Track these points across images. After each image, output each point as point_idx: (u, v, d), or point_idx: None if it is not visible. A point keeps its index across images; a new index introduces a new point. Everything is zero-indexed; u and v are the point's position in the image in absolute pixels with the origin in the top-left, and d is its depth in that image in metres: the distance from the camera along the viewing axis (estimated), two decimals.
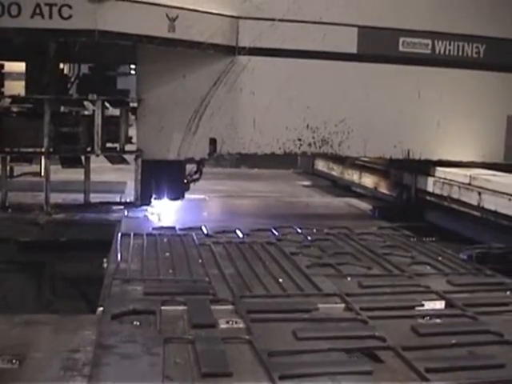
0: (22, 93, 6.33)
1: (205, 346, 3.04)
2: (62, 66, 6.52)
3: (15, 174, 7.02)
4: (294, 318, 3.55)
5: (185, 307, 3.61)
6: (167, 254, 4.84)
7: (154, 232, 5.49)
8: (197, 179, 6.68)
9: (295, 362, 2.95)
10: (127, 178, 7.04)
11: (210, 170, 7.87)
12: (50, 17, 5.20)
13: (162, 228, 5.67)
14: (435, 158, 6.55)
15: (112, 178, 7.79)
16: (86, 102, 6.20)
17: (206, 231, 5.59)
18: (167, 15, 5.52)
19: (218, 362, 2.89)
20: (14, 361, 2.91)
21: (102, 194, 6.64)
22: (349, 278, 4.40)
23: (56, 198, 6.20)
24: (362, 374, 2.87)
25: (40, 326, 3.38)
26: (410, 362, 2.93)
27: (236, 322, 3.44)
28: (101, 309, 3.57)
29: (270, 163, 10.39)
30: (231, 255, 4.87)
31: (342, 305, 3.79)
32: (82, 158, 6.15)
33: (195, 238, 5.33)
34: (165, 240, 5.27)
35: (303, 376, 2.81)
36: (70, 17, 5.22)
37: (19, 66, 6.66)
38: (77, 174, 6.51)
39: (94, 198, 6.37)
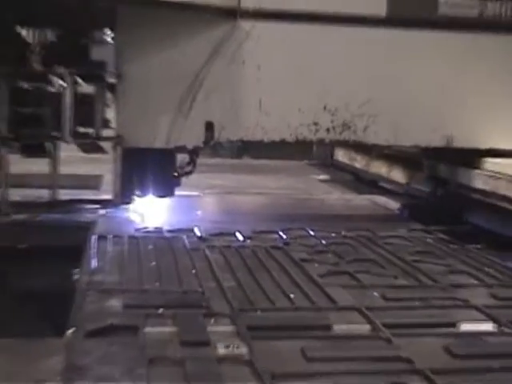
0: None
1: (197, 368, 3.09)
2: (21, 30, 6.56)
3: None
4: (303, 335, 3.61)
5: (173, 322, 3.68)
6: (152, 262, 4.89)
7: (137, 234, 5.58)
8: (189, 172, 6.69)
9: None
10: (103, 170, 7.10)
11: (205, 162, 7.91)
12: None
13: (146, 230, 5.77)
14: (484, 146, 6.55)
15: (85, 170, 7.85)
16: (52, 77, 6.23)
17: (199, 233, 5.68)
18: None
19: None
20: None
21: (72, 190, 6.72)
22: (371, 290, 4.45)
23: (15, 194, 6.26)
24: None
25: None
26: None
27: (234, 340, 3.47)
28: (72, 328, 3.59)
29: (279, 153, 10.45)
30: (229, 262, 4.94)
31: (362, 320, 3.86)
32: (48, 145, 6.18)
33: (186, 241, 5.42)
34: (149, 244, 5.35)
35: None
36: None
37: None
38: (41, 166, 6.57)
39: (63, 194, 6.43)
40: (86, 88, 6.30)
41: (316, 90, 6.25)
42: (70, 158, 7.26)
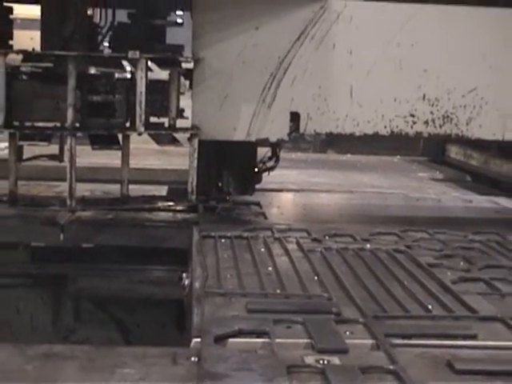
0: (37, 47, 6.40)
1: (340, 377, 3.15)
2: (90, 11, 6.57)
3: (25, 156, 7.11)
4: (447, 345, 3.65)
5: (303, 328, 3.76)
6: (268, 263, 4.99)
7: (245, 234, 5.66)
8: (272, 168, 6.70)
9: None
10: (176, 164, 7.09)
11: (287, 156, 7.92)
12: None
13: (253, 228, 5.85)
14: None
15: (156, 163, 7.86)
16: (124, 62, 6.23)
17: (312, 234, 5.76)
18: None
19: None
20: None
21: (142, 185, 6.73)
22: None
23: (82, 189, 6.28)
24: None
25: (63, 361, 3.41)
26: None
27: (372, 349, 3.58)
28: (197, 339, 3.63)
29: (368, 147, 10.40)
30: (352, 267, 4.98)
31: (506, 330, 3.89)
32: (119, 136, 6.18)
33: (301, 242, 5.49)
34: (261, 245, 5.46)
35: None
36: None
37: (28, 10, 6.74)
38: (109, 158, 6.59)
39: (134, 190, 6.43)
40: (160, 74, 6.27)
41: (414, 78, 6.21)
42: (139, 151, 7.28)
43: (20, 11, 6.51)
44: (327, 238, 5.70)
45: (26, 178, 6.60)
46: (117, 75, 6.35)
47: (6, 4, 6.23)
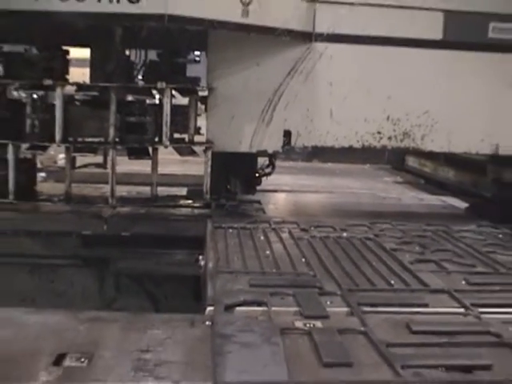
0: (87, 80, 6.41)
1: (322, 337, 3.20)
2: (127, 52, 6.57)
3: (77, 164, 7.13)
4: (405, 311, 3.69)
5: (293, 299, 3.80)
6: (266, 249, 4.99)
7: (249, 226, 5.67)
8: (269, 173, 6.72)
9: (413, 354, 3.10)
10: (194, 170, 7.10)
11: (281, 164, 7.92)
12: (118, 0, 5.25)
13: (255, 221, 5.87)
14: None
15: (178, 170, 7.86)
16: (153, 91, 6.23)
17: (300, 225, 5.77)
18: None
19: (338, 352, 3.07)
20: (82, 359, 2.97)
21: (168, 187, 6.73)
22: (456, 276, 4.51)
23: (121, 190, 6.28)
24: (480, 369, 2.99)
25: (107, 324, 3.44)
26: None
27: (347, 315, 3.64)
28: (211, 307, 3.67)
29: (344, 157, 10.39)
30: (330, 249, 5.02)
31: (452, 300, 3.93)
32: (150, 148, 6.19)
33: (292, 232, 5.52)
34: (260, 233, 5.48)
35: (422, 367, 2.95)
36: (138, 0, 5.26)
37: (81, 52, 6.75)
38: (141, 166, 6.59)
39: (161, 191, 6.43)
40: (182, 100, 6.28)
41: (380, 103, 6.21)
42: (163, 160, 7.30)
43: (75, 54, 6.53)
44: (312, 228, 5.71)
45: (78, 182, 6.61)
46: (148, 101, 6.35)
47: (64, 48, 6.24)
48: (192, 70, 6.52)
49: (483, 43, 6.18)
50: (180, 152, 6.30)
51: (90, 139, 6.16)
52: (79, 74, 6.68)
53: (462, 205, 7.52)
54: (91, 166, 7.20)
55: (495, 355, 3.13)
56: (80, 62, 7.00)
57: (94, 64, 6.38)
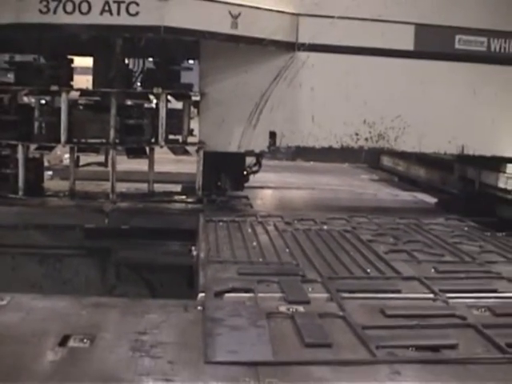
0: (90, 86, 6.41)
1: (304, 320, 3.23)
2: (127, 60, 6.57)
3: (81, 163, 7.13)
4: (380, 297, 3.72)
5: (278, 286, 3.81)
6: (253, 240, 4.99)
7: (237, 219, 5.67)
8: (256, 171, 6.73)
9: (386, 336, 3.12)
10: (188, 168, 7.10)
11: (267, 163, 7.93)
12: (118, 13, 5.25)
13: (243, 215, 5.87)
14: (489, 154, 6.44)
15: (173, 168, 7.86)
16: (150, 96, 6.23)
17: (285, 219, 5.79)
18: (230, 12, 5.54)
19: (318, 334, 3.09)
20: (85, 340, 2.98)
21: (163, 184, 6.73)
22: (426, 264, 4.53)
23: (120, 187, 6.25)
24: (447, 348, 3.01)
25: (108, 309, 3.45)
26: (490, 337, 3.09)
27: (327, 300, 3.65)
28: (202, 294, 3.68)
29: (325, 157, 10.40)
30: (314, 242, 5.01)
31: (422, 287, 3.95)
32: (147, 148, 6.19)
33: (277, 225, 5.53)
34: (248, 227, 5.48)
35: (395, 347, 2.97)
36: (137, 13, 5.27)
37: (84, 61, 6.75)
38: (139, 165, 6.59)
39: (157, 187, 6.43)
40: (176, 104, 6.29)
41: (357, 108, 6.21)
42: (160, 159, 7.29)
43: (79, 62, 6.54)
44: (296, 221, 5.73)
45: (81, 179, 6.60)
46: (145, 105, 6.35)
47: (69, 57, 6.25)
48: (186, 77, 6.52)
49: (450, 54, 6.21)
50: (174, 152, 6.31)
51: (92, 140, 6.14)
52: (83, 81, 6.69)
53: (431, 200, 7.56)
54: (93, 165, 7.24)
55: (461, 336, 3.15)
56: (84, 70, 7.00)
57: (97, 72, 6.38)
